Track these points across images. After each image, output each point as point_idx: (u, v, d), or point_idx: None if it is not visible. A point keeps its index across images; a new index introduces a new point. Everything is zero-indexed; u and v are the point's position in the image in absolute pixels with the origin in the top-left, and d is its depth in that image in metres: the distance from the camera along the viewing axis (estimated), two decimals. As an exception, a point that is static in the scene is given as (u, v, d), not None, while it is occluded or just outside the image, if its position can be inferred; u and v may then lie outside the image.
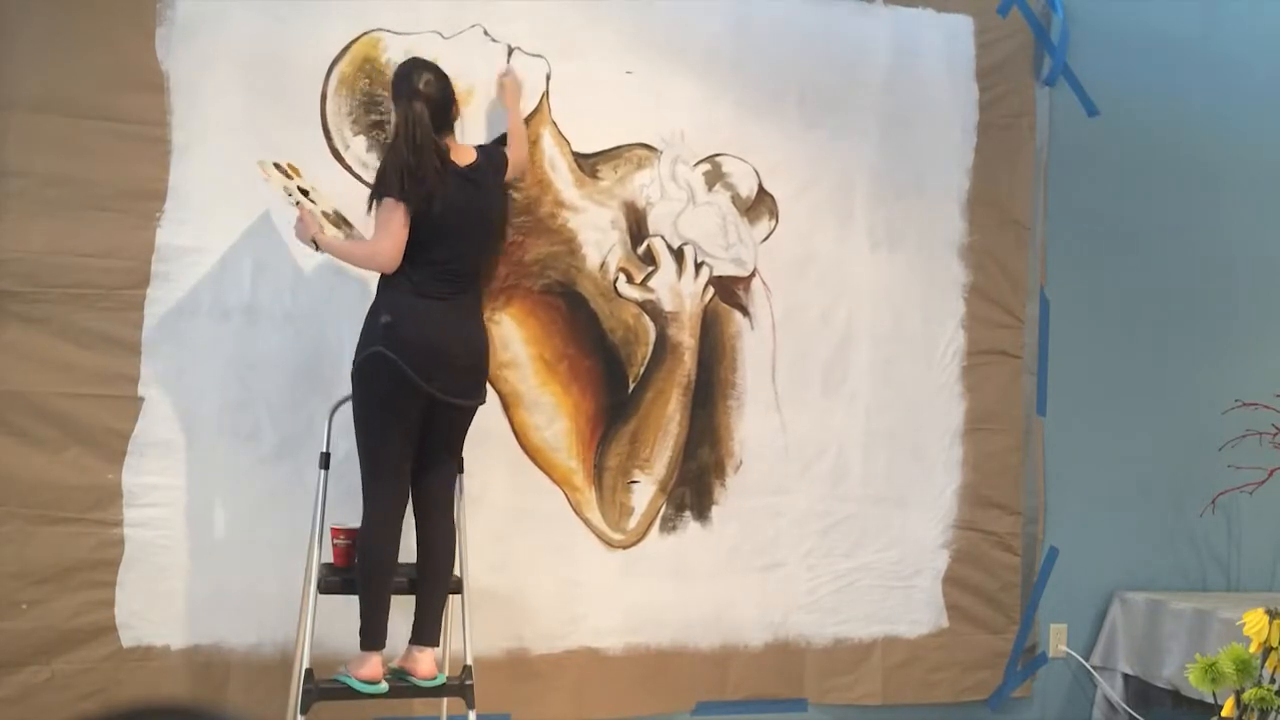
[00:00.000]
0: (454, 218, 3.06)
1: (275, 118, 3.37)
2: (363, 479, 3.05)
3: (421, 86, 3.07)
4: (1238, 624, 2.41)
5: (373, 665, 3.00)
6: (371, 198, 3.04)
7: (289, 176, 3.16)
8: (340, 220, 3.23)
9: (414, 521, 3.14)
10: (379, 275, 3.09)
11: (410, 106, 3.04)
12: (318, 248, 3.11)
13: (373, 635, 3.01)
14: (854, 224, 3.92)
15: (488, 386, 3.29)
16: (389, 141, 3.12)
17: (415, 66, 3.15)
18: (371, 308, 3.07)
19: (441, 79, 3.15)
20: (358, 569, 3.05)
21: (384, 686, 3.01)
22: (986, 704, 4.02)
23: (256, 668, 3.31)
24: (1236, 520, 4.28)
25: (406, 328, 2.99)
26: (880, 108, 3.95)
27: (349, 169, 3.41)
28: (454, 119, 3.21)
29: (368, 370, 3.00)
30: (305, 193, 3.15)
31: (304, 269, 3.38)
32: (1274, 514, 4.26)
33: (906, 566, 3.94)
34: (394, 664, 3.08)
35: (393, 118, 3.20)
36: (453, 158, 3.11)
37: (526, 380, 3.58)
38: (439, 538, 3.13)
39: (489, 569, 3.47)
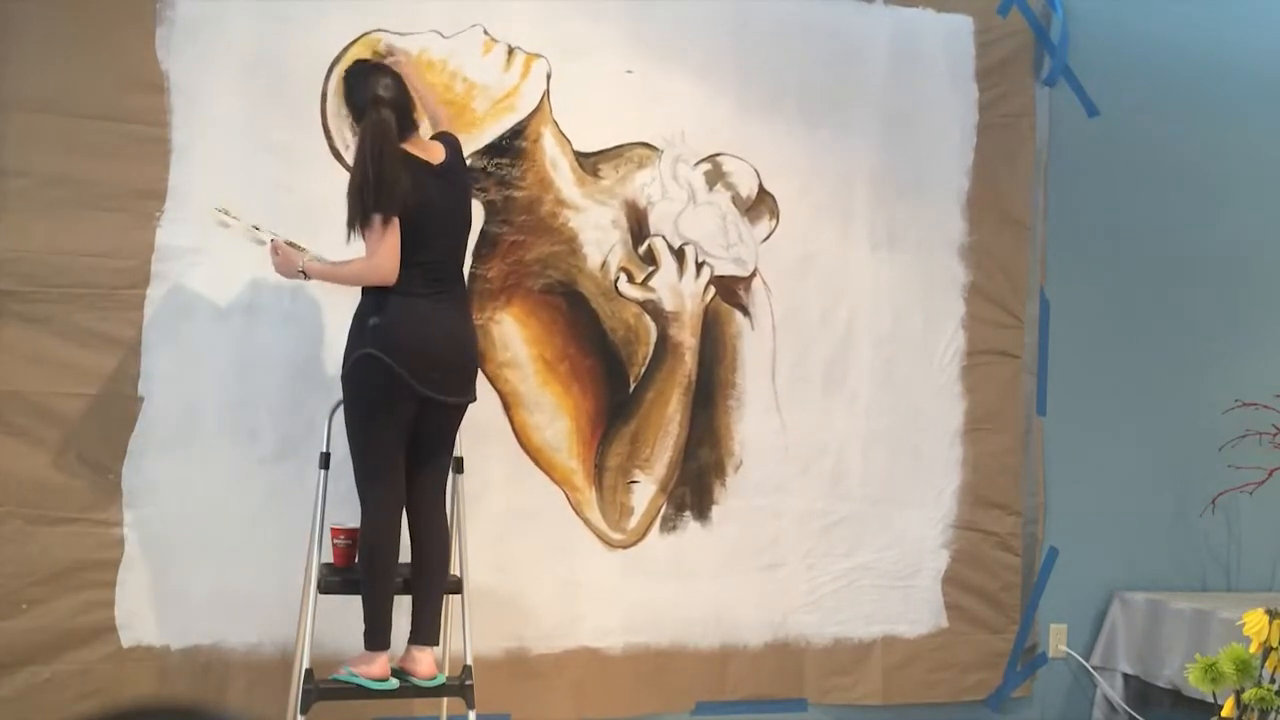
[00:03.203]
0: (435, 218, 3.01)
1: (275, 118, 3.37)
2: (358, 481, 3.04)
3: (381, 91, 2.96)
4: (1238, 624, 2.41)
5: (381, 664, 3.00)
6: (350, 224, 2.93)
7: (236, 218, 3.17)
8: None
9: (406, 521, 3.11)
10: None
11: (373, 115, 2.93)
12: (307, 277, 3.08)
13: (379, 635, 3.01)
14: (854, 224, 3.92)
15: (490, 385, 3.28)
16: (354, 156, 2.98)
17: (370, 72, 3.03)
18: (357, 311, 3.03)
19: (397, 80, 3.03)
20: (362, 571, 3.04)
21: (395, 683, 3.02)
22: (986, 704, 4.02)
23: (256, 668, 3.31)
24: (1236, 520, 4.28)
25: (396, 328, 2.96)
26: (880, 108, 3.95)
27: (349, 169, 3.40)
28: (416, 118, 3.12)
29: (359, 372, 2.97)
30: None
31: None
32: (1274, 514, 4.26)
33: (906, 566, 3.94)
34: (394, 664, 3.07)
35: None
36: (424, 157, 3.04)
37: (527, 380, 3.57)
38: (433, 536, 3.12)
39: (489, 569, 3.47)
